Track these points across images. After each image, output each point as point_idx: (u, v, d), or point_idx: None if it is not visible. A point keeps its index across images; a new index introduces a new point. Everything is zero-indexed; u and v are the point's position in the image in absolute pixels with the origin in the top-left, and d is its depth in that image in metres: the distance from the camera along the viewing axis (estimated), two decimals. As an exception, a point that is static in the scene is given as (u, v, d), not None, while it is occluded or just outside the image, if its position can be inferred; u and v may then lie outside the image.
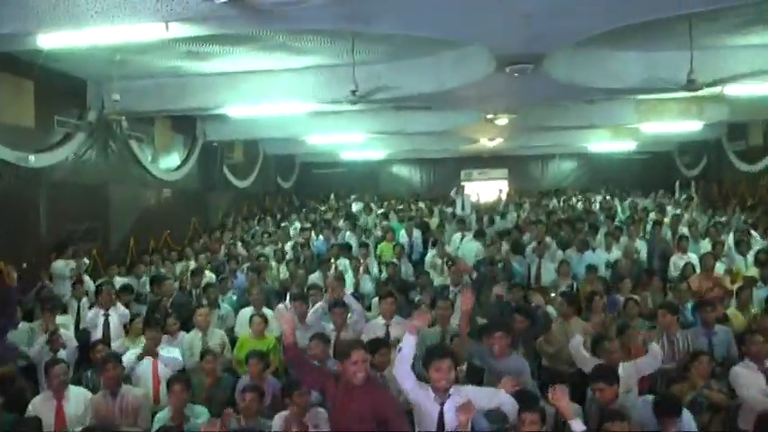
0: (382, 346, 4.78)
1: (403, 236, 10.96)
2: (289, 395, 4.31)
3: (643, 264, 8.60)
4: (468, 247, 9.80)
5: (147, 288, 8.38)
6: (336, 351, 4.14)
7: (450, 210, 14.15)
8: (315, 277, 8.45)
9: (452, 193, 14.22)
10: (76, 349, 6.06)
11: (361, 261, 8.80)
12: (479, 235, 10.23)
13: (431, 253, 9.54)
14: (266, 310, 6.85)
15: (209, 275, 8.94)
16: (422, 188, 21.31)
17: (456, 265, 7.65)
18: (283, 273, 9.27)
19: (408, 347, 3.67)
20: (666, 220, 10.66)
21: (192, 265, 9.85)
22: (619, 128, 15.31)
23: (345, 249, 9.46)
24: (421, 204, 15.92)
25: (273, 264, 9.65)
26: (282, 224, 13.67)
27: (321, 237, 11.47)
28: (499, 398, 3.68)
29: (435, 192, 19.47)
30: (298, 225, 13.33)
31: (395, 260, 9.08)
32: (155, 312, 7.15)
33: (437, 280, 8.19)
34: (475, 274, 7.67)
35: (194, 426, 4.42)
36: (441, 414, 3.58)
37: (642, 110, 12.45)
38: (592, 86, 8.83)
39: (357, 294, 7.34)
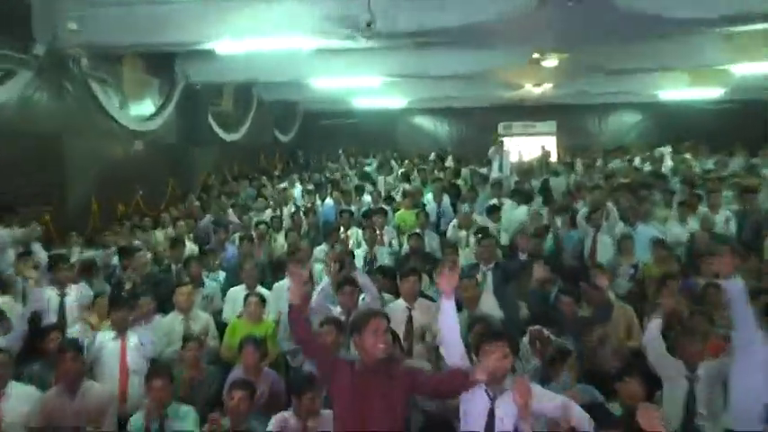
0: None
1: (428, 201, 11.04)
2: (298, 395, 4.30)
3: (726, 239, 8.44)
4: (516, 214, 9.82)
5: (115, 261, 8.38)
6: (351, 324, 4.16)
7: (484, 170, 14.12)
8: (320, 250, 8.53)
9: (491, 152, 14.08)
10: (22, 336, 5.65)
11: (377, 231, 8.84)
12: (525, 198, 10.24)
13: (452, 223, 9.59)
14: (262, 290, 6.90)
15: (190, 247, 8.99)
16: (450, 144, 21.25)
17: (487, 238, 7.55)
18: (281, 244, 9.37)
19: (449, 315, 3.72)
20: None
21: (171, 233, 9.94)
22: (701, 70, 14.97)
23: (364, 216, 9.51)
24: (449, 162, 15.93)
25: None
26: (281, 185, 13.78)
27: (329, 200, 11.61)
28: (569, 408, 3.60)
29: (467, 149, 19.44)
30: (299, 187, 13.45)
31: (418, 230, 9.11)
32: (123, 290, 7.18)
33: (462, 256, 8.20)
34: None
35: (177, 429, 4.42)
36: (491, 412, 3.55)
37: (733, 46, 12.11)
38: (667, 16, 8.60)
39: (371, 271, 7.35)
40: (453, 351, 3.80)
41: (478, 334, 3.82)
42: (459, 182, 13.12)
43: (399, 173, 14.47)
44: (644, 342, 4.95)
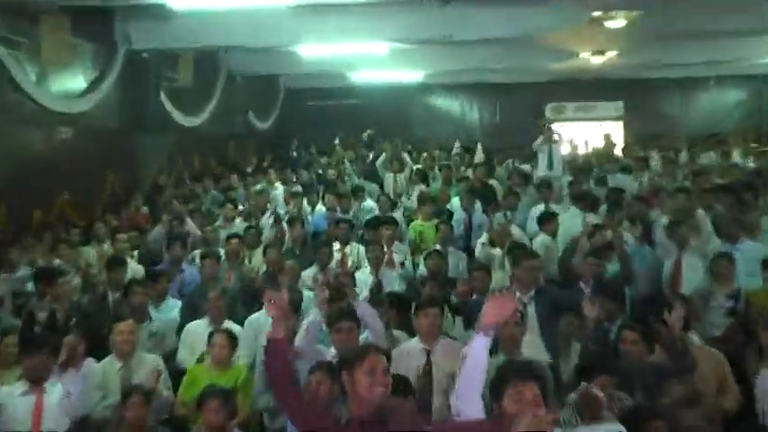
0: None
1: (453, 208, 11.06)
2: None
3: None
4: (574, 225, 9.70)
5: (30, 288, 8.30)
6: (340, 360, 4.31)
7: (526, 167, 14.10)
8: (309, 273, 8.61)
9: (536, 143, 14.06)
10: None
11: (385, 247, 8.85)
12: (589, 203, 10.23)
13: (483, 238, 9.66)
14: (232, 325, 6.94)
15: (134, 268, 8.97)
16: (481, 133, 21.27)
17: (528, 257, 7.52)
18: (258, 264, 9.40)
19: (479, 360, 3.75)
20: None
21: (107, 249, 9.89)
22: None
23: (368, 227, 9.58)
24: (479, 156, 15.93)
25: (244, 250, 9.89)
26: (257, 186, 13.81)
27: (321, 207, 11.63)
28: None
29: (504, 138, 19.51)
30: (282, 188, 13.48)
31: (439, 247, 9.13)
32: (36, 326, 7.09)
33: (495, 279, 8.28)
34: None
35: None
36: None
37: None
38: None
39: (378, 299, 7.27)
40: (469, 408, 3.83)
41: (500, 373, 3.81)
42: (494, 182, 13.17)
43: (414, 170, 14.46)
44: (757, 395, 4.99)
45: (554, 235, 9.48)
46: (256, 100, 19.84)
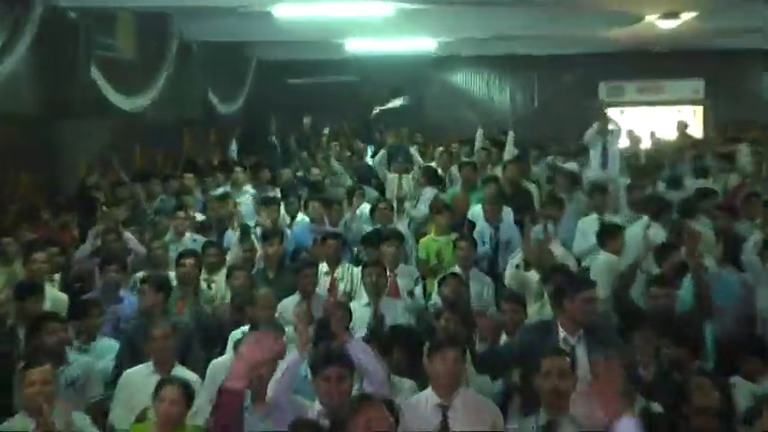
0: None
1: (476, 218, 11.09)
2: None
3: None
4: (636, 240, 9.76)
5: None
6: (328, 417, 4.50)
7: (573, 165, 14.14)
8: (288, 304, 8.55)
9: (588, 135, 14.03)
10: None
11: (387, 269, 8.92)
12: (655, 210, 10.21)
13: (514, 259, 9.66)
14: (185, 372, 6.94)
15: (55, 296, 8.92)
16: (513, 120, 20.82)
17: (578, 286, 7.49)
18: (220, 292, 9.49)
19: None
20: None
21: (18, 271, 9.78)
22: None
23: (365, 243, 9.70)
24: (510, 151, 15.78)
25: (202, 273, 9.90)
26: (219, 190, 13.83)
27: (302, 216, 11.67)
28: None
29: (543, 127, 19.57)
30: (251, 191, 13.52)
31: (458, 269, 9.21)
32: None
33: (531, 312, 8.28)
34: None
35: None
36: None
37: None
38: None
39: (379, 337, 7.34)
40: None
41: None
42: (530, 185, 13.21)
43: (423, 168, 14.47)
44: None
45: (619, 253, 9.44)
46: (219, 76, 19.77)
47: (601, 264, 9.34)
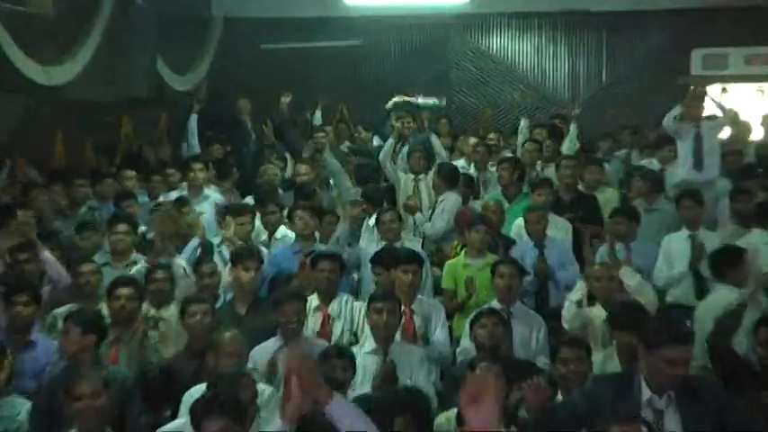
0: None
1: (518, 234, 11.45)
2: None
3: None
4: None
5: None
6: None
7: (652, 162, 14.30)
8: (265, 352, 8.70)
9: (672, 121, 13.95)
10: None
11: (403, 305, 9.03)
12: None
13: (573, 294, 9.63)
14: None
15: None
16: (572, 100, 21.73)
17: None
18: (170, 330, 9.46)
19: None
20: None
21: None
22: None
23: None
24: (570, 143, 16.10)
25: (145, 307, 9.67)
26: (171, 194, 13.87)
27: (285, 230, 12.03)
28: None
29: (614, 109, 19.80)
30: (217, 197, 13.66)
31: (497, 304, 9.22)
32: None
33: (596, 359, 8.32)
34: None
35: None
36: None
37: None
38: None
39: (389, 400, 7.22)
40: None
41: None
42: (606, 190, 13.44)
43: (438, 166, 14.34)
44: None
45: (739, 284, 9.15)
46: (172, 40, 19.74)
47: (720, 301, 9.04)
